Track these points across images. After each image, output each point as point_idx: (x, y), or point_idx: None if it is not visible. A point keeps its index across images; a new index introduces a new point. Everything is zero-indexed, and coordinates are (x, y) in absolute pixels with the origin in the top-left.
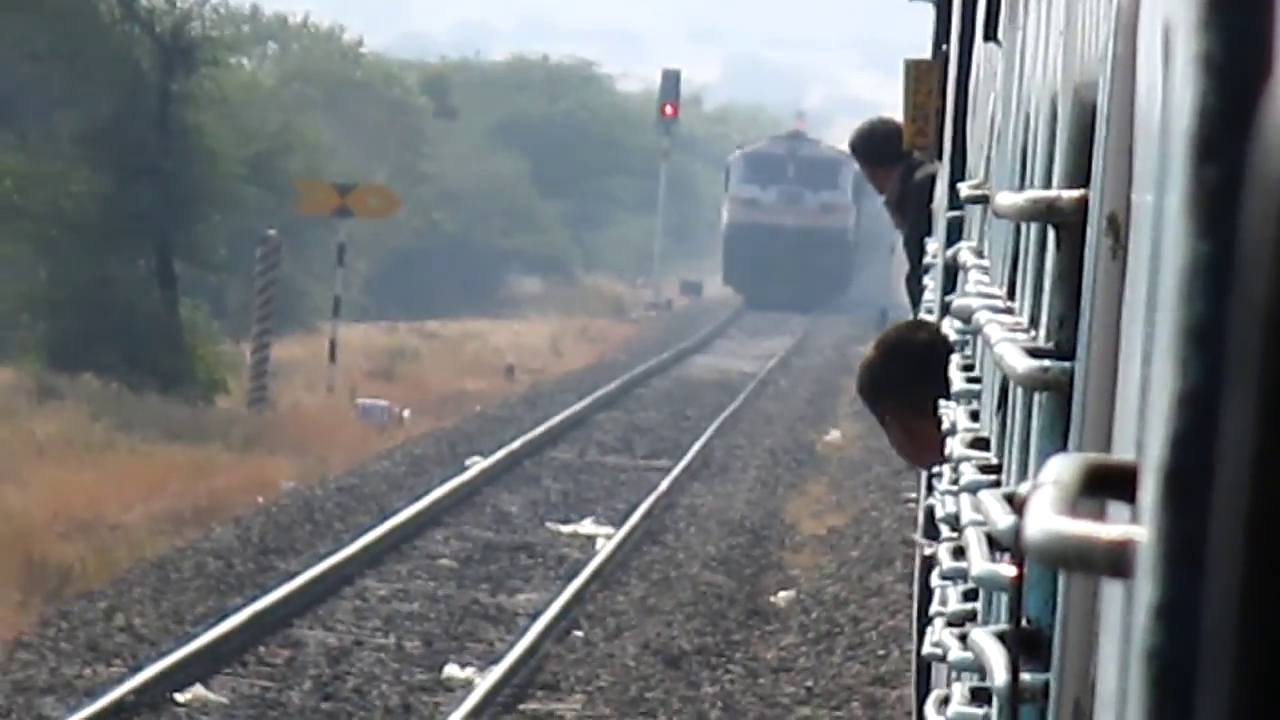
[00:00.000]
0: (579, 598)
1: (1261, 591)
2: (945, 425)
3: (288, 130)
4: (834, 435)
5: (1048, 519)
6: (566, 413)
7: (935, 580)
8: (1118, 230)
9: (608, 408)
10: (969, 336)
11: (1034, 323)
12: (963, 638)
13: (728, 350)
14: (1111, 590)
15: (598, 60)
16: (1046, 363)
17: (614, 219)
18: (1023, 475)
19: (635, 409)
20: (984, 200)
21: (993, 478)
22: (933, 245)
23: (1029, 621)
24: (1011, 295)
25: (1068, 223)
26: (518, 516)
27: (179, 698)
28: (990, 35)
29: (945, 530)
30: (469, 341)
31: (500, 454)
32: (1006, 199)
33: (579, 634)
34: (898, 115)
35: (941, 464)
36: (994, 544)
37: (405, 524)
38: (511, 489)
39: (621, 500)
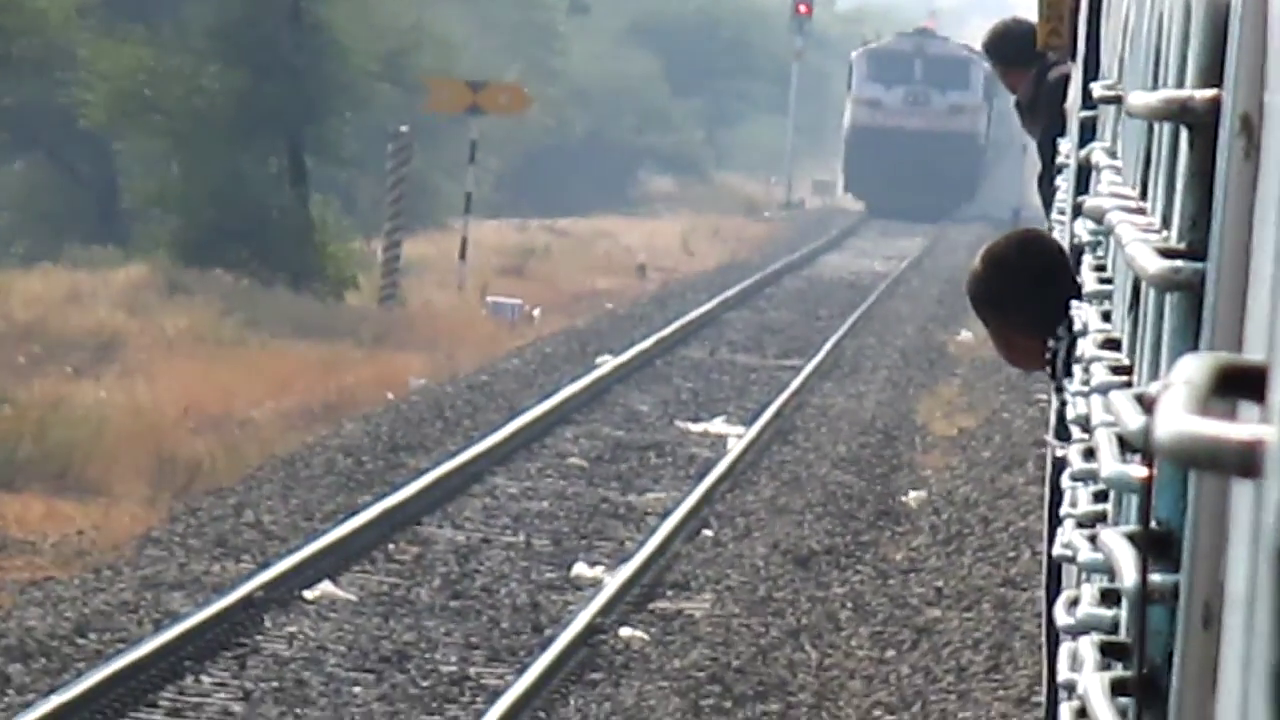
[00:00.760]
0: (708, 497)
1: None
2: (1077, 326)
3: (419, 27)
4: (965, 335)
5: (1179, 419)
6: (697, 312)
7: (1065, 481)
8: (1251, 130)
9: (739, 307)
10: (1101, 237)
11: (1166, 223)
12: (1093, 539)
13: (859, 250)
14: (1242, 490)
15: None
16: (1179, 263)
17: (747, 118)
18: (1154, 376)
19: (766, 308)
20: (1117, 100)
21: (1124, 379)
22: (1065, 146)
23: (1159, 523)
24: (1144, 196)
25: (1200, 123)
26: (648, 415)
27: (307, 594)
28: None
29: (1076, 431)
30: (600, 240)
31: (631, 352)
32: (1139, 99)
33: (708, 533)
34: (1032, 15)
35: (1040, 369)
36: (1125, 445)
37: (535, 422)
38: (642, 388)
39: (752, 400)
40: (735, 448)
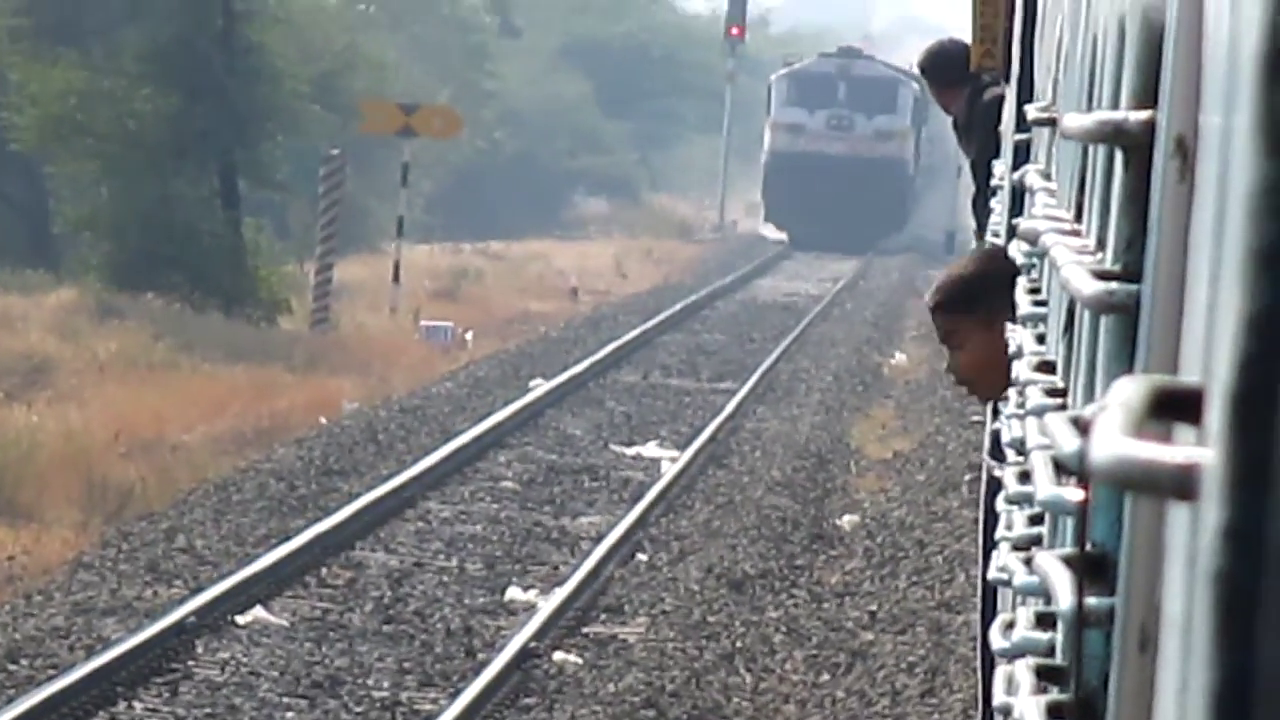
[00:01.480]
0: (642, 521)
1: None
2: (1011, 349)
3: (352, 49)
4: (899, 358)
5: (1114, 442)
6: (631, 334)
7: (1001, 504)
8: (1185, 152)
9: (672, 329)
10: (1036, 259)
11: (1101, 245)
12: (1028, 562)
13: (793, 273)
14: (1177, 513)
15: None
16: (1113, 285)
17: (680, 140)
18: (1089, 398)
19: (700, 331)
20: (1051, 122)
21: (1059, 401)
22: (999, 168)
23: (1094, 546)
24: (1079, 218)
25: (1135, 144)
26: (581, 439)
27: (239, 620)
28: None
29: (1011, 454)
30: (533, 262)
31: (564, 376)
32: (1074, 121)
33: (642, 557)
34: (966, 36)
35: (1006, 391)
36: (1060, 468)
37: (468, 446)
38: (575, 411)
39: (686, 423)
40: (669, 471)
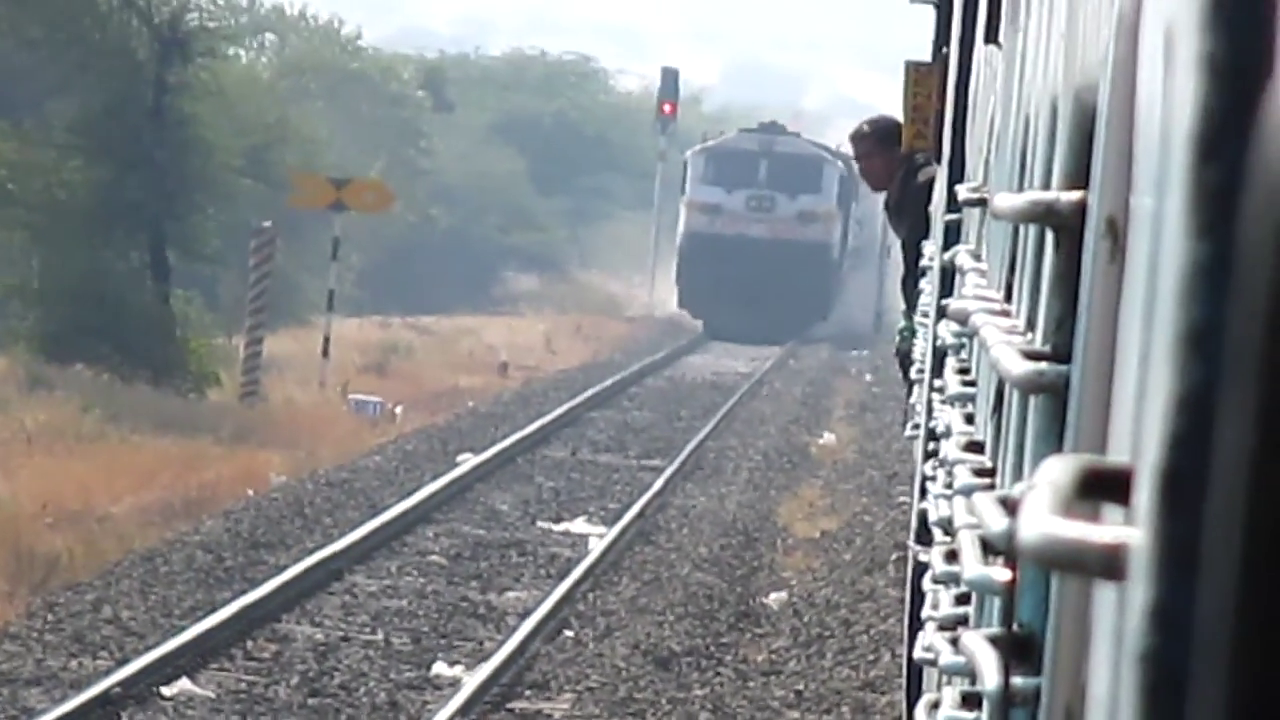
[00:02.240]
0: (569, 597)
1: (1256, 595)
2: (940, 429)
3: (284, 123)
4: (828, 438)
5: (1042, 521)
6: (559, 410)
7: (927, 584)
8: (1116, 233)
9: (601, 406)
10: (966, 340)
11: (1031, 326)
12: (954, 641)
13: (722, 350)
14: (1105, 593)
15: (596, 56)
16: (1043, 366)
17: (611, 217)
18: (1017, 478)
19: (629, 408)
20: (982, 203)
21: (987, 481)
22: (930, 248)
23: (1021, 625)
24: (1009, 298)
25: (1066, 225)
26: (509, 514)
27: (165, 691)
28: (991, 38)
29: (938, 534)
30: (463, 338)
31: (492, 451)
32: (1005, 201)
33: (569, 633)
34: (899, 116)
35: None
36: (987, 548)
37: (395, 520)
38: (503, 486)
39: (614, 499)
40: (596, 548)
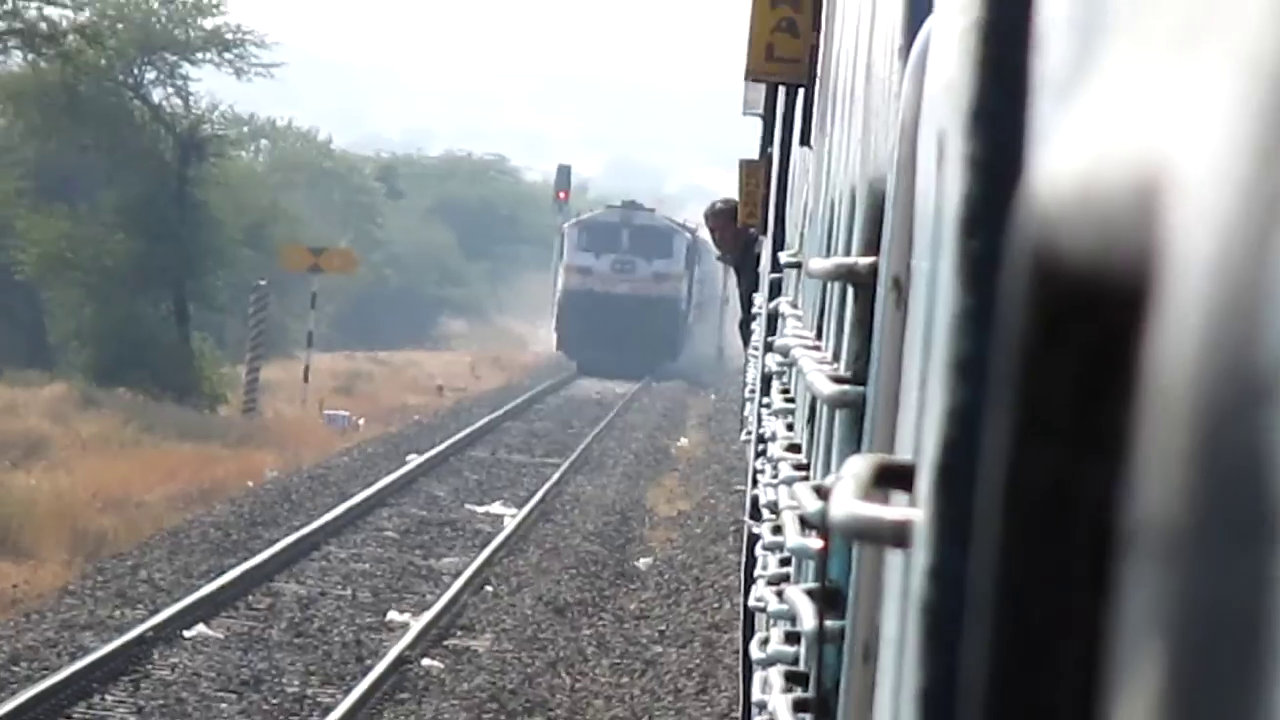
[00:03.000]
0: (490, 561)
1: (1012, 560)
2: (767, 434)
3: (274, 206)
4: (683, 441)
5: (847, 504)
6: (482, 421)
7: (759, 551)
8: (900, 288)
9: (513, 418)
10: (787, 368)
11: (836, 357)
12: (779, 594)
13: (605, 375)
14: (894, 558)
15: (510, 156)
16: (846, 387)
17: (520, 276)
18: (827, 472)
19: (534, 419)
20: (798, 266)
21: (803, 474)
22: (759, 299)
23: (830, 582)
24: (819, 337)
25: (862, 282)
26: (445, 499)
27: (186, 634)
28: (804, 141)
29: (767, 513)
30: (409, 367)
31: (432, 452)
32: (816, 264)
33: (489, 589)
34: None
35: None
36: (805, 524)
37: (360, 504)
38: (440, 479)
39: (523, 488)
40: (509, 524)
